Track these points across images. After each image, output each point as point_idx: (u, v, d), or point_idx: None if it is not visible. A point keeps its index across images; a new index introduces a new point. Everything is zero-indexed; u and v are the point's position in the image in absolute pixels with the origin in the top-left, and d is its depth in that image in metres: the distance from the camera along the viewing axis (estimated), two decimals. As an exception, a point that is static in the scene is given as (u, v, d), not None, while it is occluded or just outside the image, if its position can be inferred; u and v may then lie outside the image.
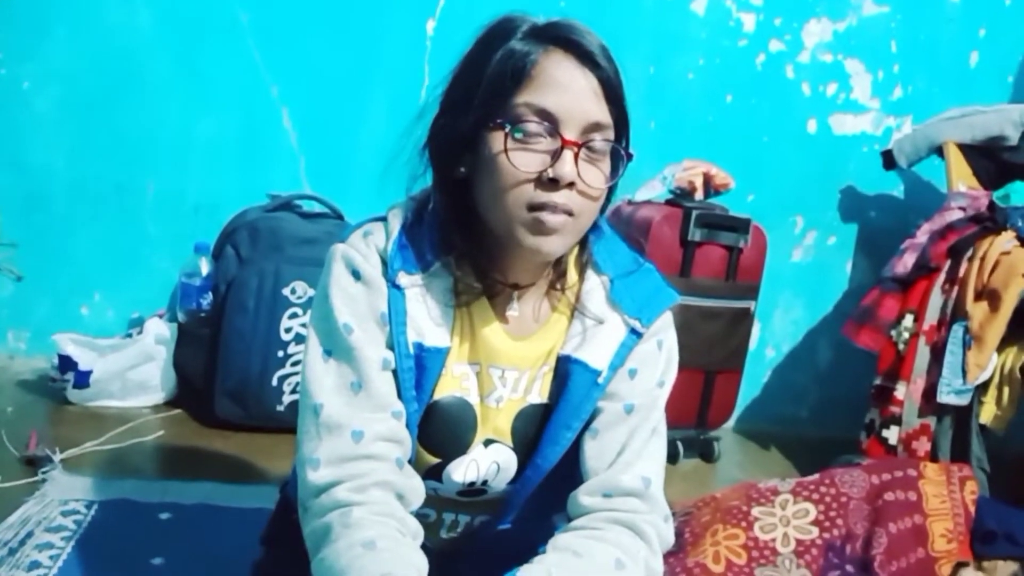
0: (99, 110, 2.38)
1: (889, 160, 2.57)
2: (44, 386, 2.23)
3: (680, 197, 2.39)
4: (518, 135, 0.84)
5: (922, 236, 2.27)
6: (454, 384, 0.94)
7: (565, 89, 0.83)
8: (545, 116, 0.83)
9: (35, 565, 1.40)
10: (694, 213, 2.29)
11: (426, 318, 0.91)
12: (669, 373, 1.00)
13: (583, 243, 0.98)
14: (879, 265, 2.45)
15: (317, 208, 2.35)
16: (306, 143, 2.50)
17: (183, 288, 2.25)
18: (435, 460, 0.96)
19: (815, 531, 1.50)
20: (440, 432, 0.95)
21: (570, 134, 0.84)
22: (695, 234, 2.29)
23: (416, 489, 0.92)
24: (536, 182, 0.84)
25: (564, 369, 0.95)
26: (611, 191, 0.92)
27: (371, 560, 0.78)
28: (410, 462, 0.94)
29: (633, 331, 0.95)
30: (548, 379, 0.97)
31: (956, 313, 2.12)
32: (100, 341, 2.25)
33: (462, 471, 0.97)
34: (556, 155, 0.83)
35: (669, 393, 1.00)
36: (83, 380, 2.14)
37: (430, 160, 0.93)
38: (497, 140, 0.84)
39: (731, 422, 2.69)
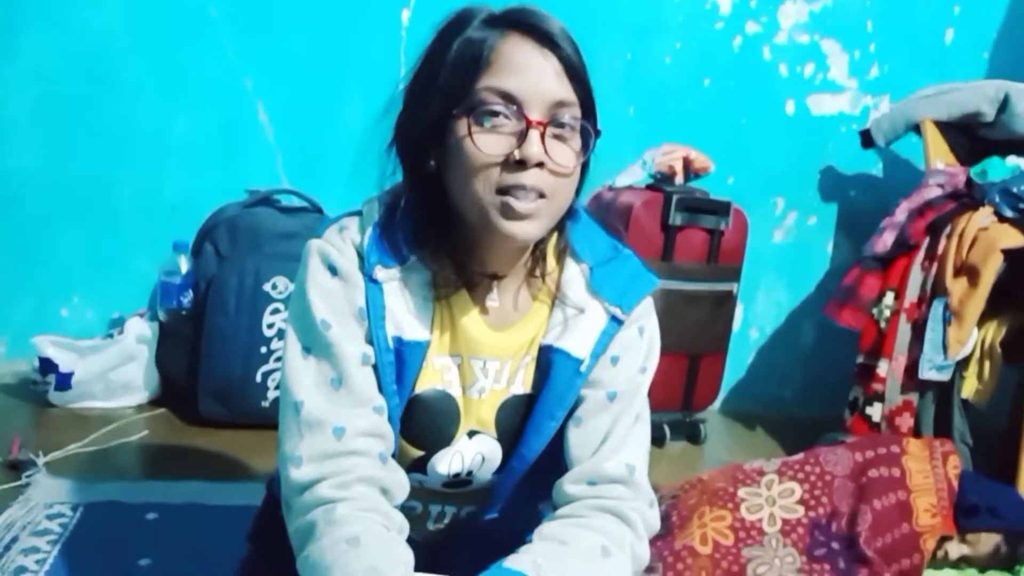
0: (72, 109, 2.35)
1: (867, 139, 2.58)
2: (26, 389, 2.21)
3: (660, 182, 2.39)
4: (483, 120, 0.83)
5: (901, 214, 2.28)
6: (435, 377, 0.94)
7: (526, 70, 0.83)
8: (508, 98, 0.83)
9: (21, 570, 1.39)
10: (675, 197, 2.29)
11: (405, 311, 0.91)
12: (651, 359, 1.00)
13: (561, 230, 0.97)
14: (859, 244, 2.46)
15: (296, 202, 2.34)
16: (283, 137, 2.49)
17: (163, 287, 2.24)
18: (419, 453, 0.96)
19: (801, 510, 1.51)
20: (423, 425, 0.94)
21: (535, 114, 0.83)
22: (676, 218, 2.29)
23: (400, 483, 0.92)
24: (504, 165, 0.83)
25: (546, 359, 0.95)
26: (584, 172, 0.91)
27: (356, 556, 0.78)
28: (393, 456, 0.93)
29: (614, 318, 0.95)
30: (531, 369, 0.97)
31: (936, 290, 2.13)
32: (81, 342, 2.23)
33: (447, 463, 0.97)
34: (522, 136, 0.83)
35: (653, 378, 1.00)
36: (65, 382, 2.12)
37: (398, 156, 0.92)
38: (461, 126, 0.84)
39: (717, 404, 2.71)
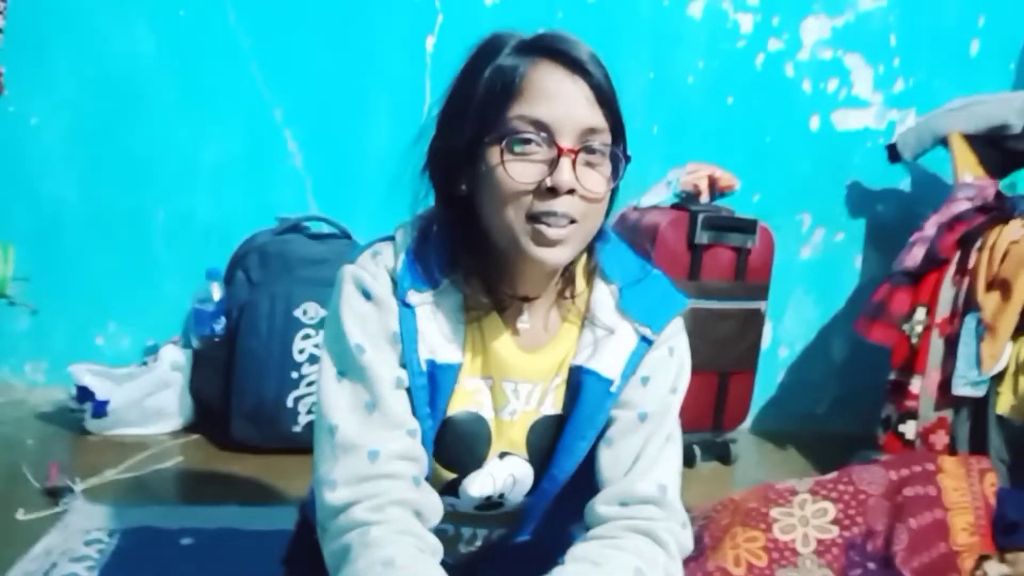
0: (106, 140, 2.41)
1: (894, 154, 2.56)
2: (63, 416, 2.25)
3: (686, 201, 2.39)
4: (514, 147, 0.84)
5: (930, 228, 2.26)
6: (467, 399, 0.95)
7: (556, 97, 0.84)
8: (539, 126, 0.84)
9: (61, 596, 1.41)
10: (700, 216, 2.29)
11: (437, 335, 0.92)
12: (682, 379, 0.99)
13: (590, 251, 0.97)
14: (889, 259, 2.44)
15: (325, 229, 2.37)
16: (311, 164, 2.53)
17: (196, 314, 2.27)
18: (451, 475, 0.97)
19: (835, 530, 1.50)
20: (455, 447, 0.95)
21: (565, 142, 0.84)
22: (702, 237, 2.29)
23: (434, 506, 0.92)
24: (535, 192, 0.84)
25: (576, 380, 0.95)
26: (614, 196, 0.92)
27: None
28: (427, 479, 0.94)
29: (644, 339, 0.95)
30: (562, 391, 0.97)
31: (968, 304, 2.11)
32: (116, 370, 2.27)
33: (478, 485, 0.97)
34: (553, 164, 0.84)
35: (683, 398, 1.00)
36: (101, 410, 2.16)
37: (431, 180, 0.93)
38: (494, 154, 0.85)
39: (747, 423, 2.68)
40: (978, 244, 2.14)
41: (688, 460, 2.40)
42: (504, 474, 0.97)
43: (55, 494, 1.79)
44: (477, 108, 0.86)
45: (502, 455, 0.97)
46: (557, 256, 0.87)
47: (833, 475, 1.63)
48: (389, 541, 0.82)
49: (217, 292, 2.25)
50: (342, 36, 2.48)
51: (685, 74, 2.68)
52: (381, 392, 0.88)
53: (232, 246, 2.33)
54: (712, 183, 2.41)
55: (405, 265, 0.91)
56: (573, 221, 0.86)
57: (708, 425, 2.43)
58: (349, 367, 0.90)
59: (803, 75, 2.74)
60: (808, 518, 1.52)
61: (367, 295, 0.91)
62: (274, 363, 2.12)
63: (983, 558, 1.49)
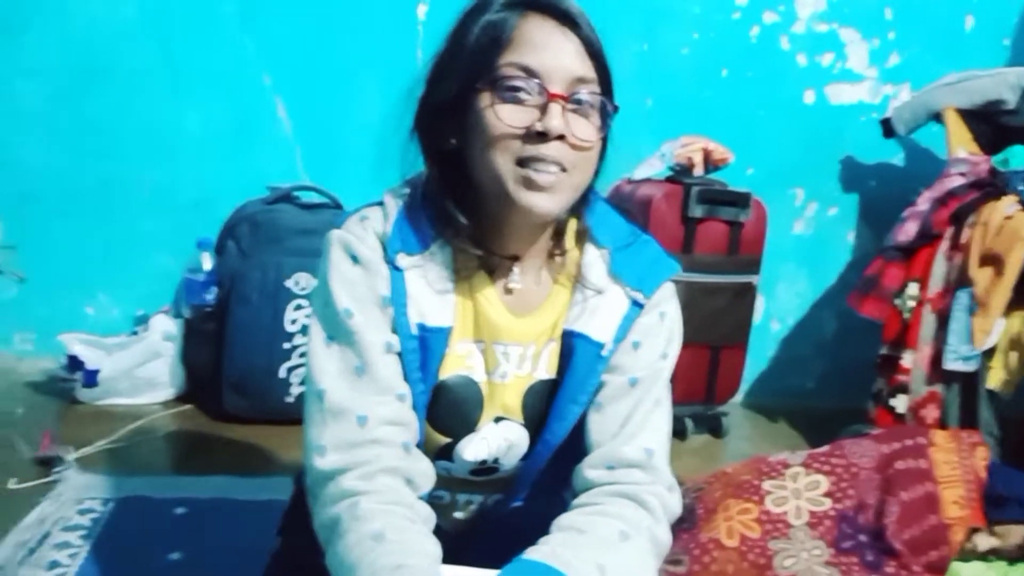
0: (88, 107, 2.37)
1: (888, 129, 2.56)
2: (53, 386, 2.24)
3: (679, 174, 2.38)
4: (504, 93, 0.85)
5: (923, 204, 2.27)
6: (459, 363, 0.95)
7: (546, 48, 0.85)
8: (530, 72, 0.85)
9: (54, 564, 1.41)
10: (694, 189, 2.28)
11: (427, 298, 0.92)
12: (672, 345, 1.00)
13: (579, 215, 0.98)
14: (881, 234, 2.44)
15: (316, 199, 2.35)
16: (301, 133, 2.50)
17: (187, 284, 2.26)
18: (445, 440, 0.97)
19: (827, 502, 1.51)
20: (448, 412, 0.95)
21: (555, 88, 0.85)
22: (696, 210, 2.29)
23: (425, 472, 0.92)
24: (525, 137, 0.85)
25: (568, 344, 0.96)
26: (603, 154, 0.93)
27: (381, 553, 0.79)
28: (420, 445, 0.94)
29: (635, 303, 0.96)
30: (555, 355, 0.97)
31: (960, 280, 2.12)
32: (107, 340, 2.26)
33: (473, 450, 0.97)
34: (543, 109, 0.84)
35: (674, 365, 1.00)
36: (92, 379, 2.15)
37: (419, 135, 0.94)
38: (484, 99, 0.86)
39: (739, 397, 2.70)
40: (971, 220, 2.14)
41: (680, 433, 2.41)
42: (499, 439, 0.98)
43: (48, 463, 1.79)
44: (468, 59, 0.87)
45: (497, 419, 0.98)
46: (546, 204, 0.87)
47: (825, 448, 1.64)
48: (378, 514, 0.82)
49: (208, 262, 2.23)
50: (333, 1, 2.44)
51: (679, 46, 2.66)
52: (370, 356, 0.88)
53: (222, 216, 2.30)
54: (706, 156, 2.40)
55: (395, 228, 0.91)
56: (563, 169, 0.86)
57: (700, 398, 2.44)
58: (337, 332, 0.90)
59: (798, 48, 2.73)
60: (801, 491, 1.53)
61: (355, 259, 0.90)
62: (265, 334, 2.11)
63: (973, 531, 1.51)
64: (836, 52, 2.75)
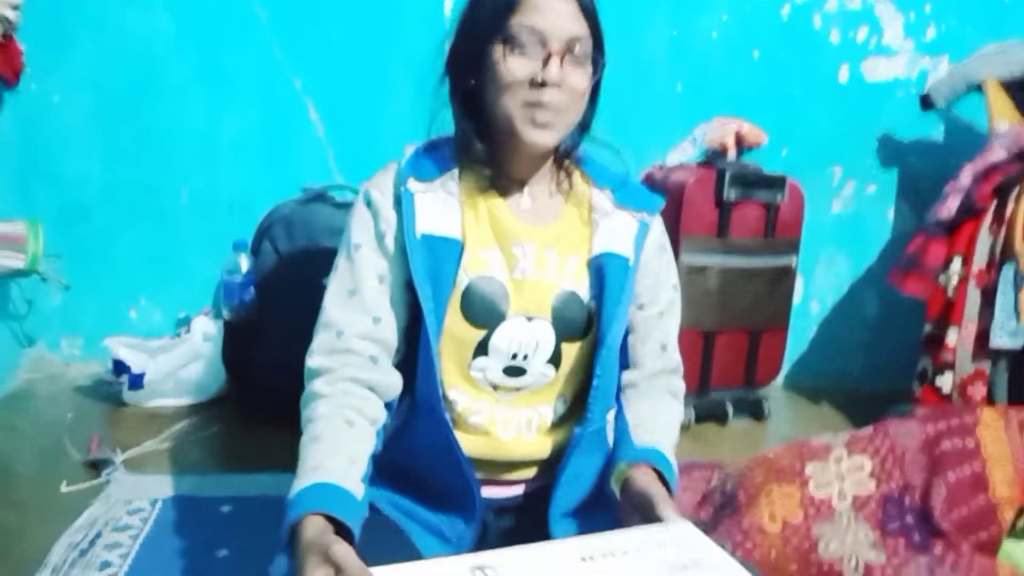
0: (128, 117, 2.42)
1: (927, 102, 2.51)
2: (100, 389, 2.29)
3: (712, 158, 2.36)
4: (513, 47, 1.03)
5: (965, 178, 2.22)
6: (483, 267, 1.09)
7: (548, 11, 1.03)
8: (534, 31, 1.02)
9: (106, 565, 1.45)
10: (727, 173, 2.26)
11: (435, 213, 1.07)
12: (674, 272, 1.22)
13: (580, 164, 1.18)
14: (922, 211, 2.39)
15: (350, 197, 2.36)
16: (333, 133, 2.52)
17: (225, 285, 2.28)
18: (480, 333, 1.08)
19: (872, 484, 1.48)
20: (478, 305, 1.08)
21: (555, 45, 1.02)
22: (730, 194, 2.26)
23: (391, 383, 1.06)
24: (529, 84, 1.03)
25: (598, 265, 1.12)
26: (595, 95, 1.11)
27: (312, 452, 0.96)
28: (454, 342, 1.07)
29: (643, 222, 1.16)
30: (582, 273, 1.12)
31: (1005, 254, 2.07)
32: (150, 343, 2.30)
33: (506, 339, 1.08)
34: (545, 62, 1.02)
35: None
36: (137, 382, 2.19)
37: (448, 75, 1.12)
38: (497, 52, 1.04)
39: (780, 379, 2.67)
40: (1015, 192, 2.09)
41: (720, 417, 2.40)
42: (528, 335, 1.09)
43: (97, 466, 1.83)
44: (485, 18, 1.06)
45: (529, 319, 1.10)
46: (545, 138, 1.05)
47: (868, 430, 1.61)
48: (325, 416, 0.99)
49: (245, 263, 2.26)
50: (360, 3, 2.45)
51: (709, 29, 2.63)
52: (362, 283, 1.06)
53: (257, 218, 2.33)
54: (739, 139, 2.37)
55: (409, 161, 1.09)
56: (559, 110, 1.04)
57: (740, 382, 2.42)
58: (346, 260, 1.08)
59: (831, 25, 2.68)
60: (844, 473, 1.51)
61: (368, 203, 1.09)
62: (302, 333, 2.13)
63: (1023, 510, 1.47)
64: (871, 26, 2.70)
